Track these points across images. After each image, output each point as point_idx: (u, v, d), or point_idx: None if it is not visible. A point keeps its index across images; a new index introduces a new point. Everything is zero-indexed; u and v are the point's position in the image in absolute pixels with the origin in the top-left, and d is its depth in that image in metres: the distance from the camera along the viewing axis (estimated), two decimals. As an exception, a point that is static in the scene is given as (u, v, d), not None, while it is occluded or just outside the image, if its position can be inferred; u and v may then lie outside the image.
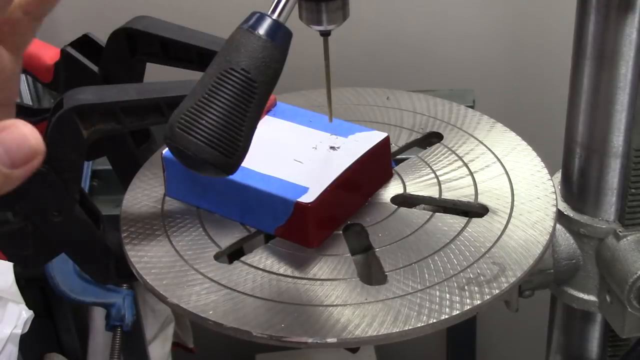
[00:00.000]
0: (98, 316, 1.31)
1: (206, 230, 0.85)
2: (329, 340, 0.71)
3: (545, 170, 0.92)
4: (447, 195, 0.89)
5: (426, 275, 0.77)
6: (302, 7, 0.75)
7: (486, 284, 0.76)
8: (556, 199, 0.87)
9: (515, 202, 0.87)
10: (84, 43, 0.97)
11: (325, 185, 0.80)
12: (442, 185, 0.90)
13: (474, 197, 0.88)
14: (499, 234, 0.82)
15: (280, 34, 0.64)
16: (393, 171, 0.93)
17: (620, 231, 0.89)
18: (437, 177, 0.91)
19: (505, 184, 0.90)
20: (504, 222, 0.84)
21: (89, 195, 1.17)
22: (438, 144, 0.97)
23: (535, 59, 1.46)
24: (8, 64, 0.58)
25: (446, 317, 0.73)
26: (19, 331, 1.03)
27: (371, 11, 1.40)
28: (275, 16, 0.65)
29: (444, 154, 0.95)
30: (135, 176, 0.94)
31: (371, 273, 0.82)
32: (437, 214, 0.86)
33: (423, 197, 0.89)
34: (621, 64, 0.83)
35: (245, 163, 0.66)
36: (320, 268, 0.79)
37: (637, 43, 0.82)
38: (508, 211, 0.85)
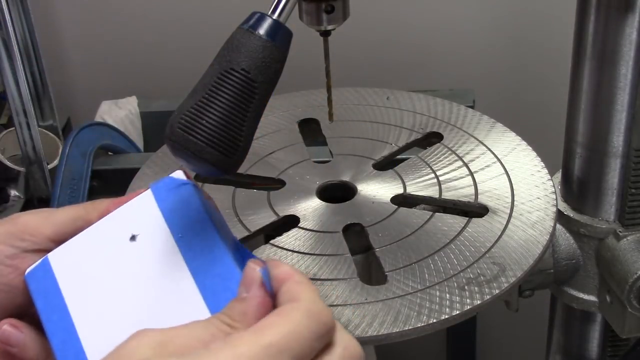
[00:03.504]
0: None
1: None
2: (329, 340, 0.71)
3: (545, 170, 0.92)
4: (447, 195, 0.89)
5: (426, 275, 0.77)
6: (302, 8, 0.75)
7: (486, 284, 0.76)
8: (556, 199, 0.88)
9: (515, 202, 0.87)
10: None
11: None
12: (442, 185, 0.90)
13: (474, 197, 0.88)
14: (499, 234, 0.83)
15: (280, 34, 0.64)
16: (393, 171, 0.93)
17: (620, 231, 0.89)
18: (437, 177, 0.91)
19: (505, 184, 0.90)
20: (504, 222, 0.84)
21: (89, 196, 1.17)
22: (438, 144, 0.97)
23: (535, 59, 1.46)
24: None
25: (446, 317, 0.73)
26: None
27: (371, 11, 1.40)
28: (275, 16, 0.65)
29: (444, 154, 0.95)
30: (135, 176, 0.94)
31: (371, 273, 0.82)
32: (437, 214, 0.86)
33: (423, 197, 0.89)
34: (621, 64, 0.83)
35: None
36: (320, 268, 0.79)
37: (637, 43, 0.82)
38: (508, 211, 0.86)
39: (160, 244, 0.60)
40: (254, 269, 0.55)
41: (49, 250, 0.62)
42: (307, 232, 0.84)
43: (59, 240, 0.63)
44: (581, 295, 0.94)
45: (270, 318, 0.52)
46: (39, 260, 0.62)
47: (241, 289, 0.55)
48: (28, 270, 0.62)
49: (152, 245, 0.60)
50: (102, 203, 0.65)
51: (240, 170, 0.69)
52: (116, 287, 0.59)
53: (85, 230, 0.63)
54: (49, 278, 0.61)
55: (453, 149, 0.96)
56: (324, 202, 0.89)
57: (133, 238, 0.61)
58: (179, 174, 0.64)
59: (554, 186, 0.89)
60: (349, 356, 0.53)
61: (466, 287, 0.76)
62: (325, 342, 0.53)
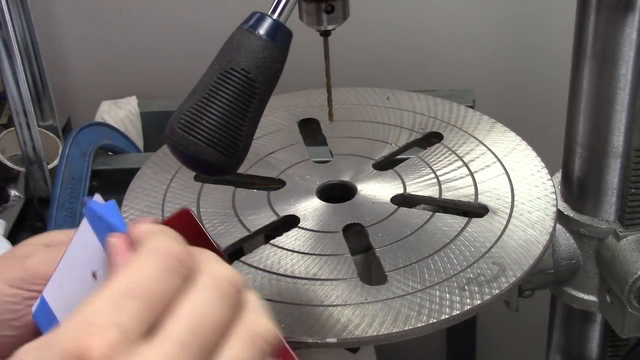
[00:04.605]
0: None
1: (206, 230, 0.85)
2: (329, 340, 0.71)
3: (545, 170, 0.92)
4: (447, 195, 0.89)
5: (426, 275, 0.77)
6: (302, 8, 0.75)
7: (486, 284, 0.76)
8: (556, 199, 0.88)
9: (515, 202, 0.87)
10: None
11: None
12: (442, 185, 0.90)
13: (474, 197, 0.88)
14: (499, 234, 0.82)
15: (280, 34, 0.64)
16: (393, 171, 0.93)
17: (620, 231, 0.89)
18: (437, 177, 0.91)
19: (505, 184, 0.90)
20: (504, 222, 0.84)
21: (89, 196, 1.17)
22: (438, 144, 0.97)
23: (535, 59, 1.46)
24: None
25: (446, 317, 0.73)
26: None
27: (371, 11, 1.40)
28: (275, 16, 0.65)
29: (444, 154, 0.95)
30: (135, 176, 0.94)
31: (371, 273, 0.82)
32: (437, 214, 0.86)
33: (423, 197, 0.89)
34: (621, 64, 0.83)
35: None
36: (320, 268, 0.79)
37: (637, 43, 0.82)
38: (508, 211, 0.85)
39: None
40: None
41: None
42: (307, 232, 0.84)
43: None
44: (581, 295, 0.94)
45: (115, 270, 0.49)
46: (38, 300, 0.63)
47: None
48: (33, 309, 0.63)
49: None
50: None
51: (240, 170, 0.69)
52: None
53: (60, 263, 0.61)
54: (51, 316, 0.62)
55: (453, 149, 0.96)
56: (324, 202, 0.89)
57: (94, 276, 0.58)
58: (97, 198, 0.58)
59: (554, 186, 0.89)
60: (218, 285, 0.49)
61: (466, 287, 0.76)
62: (184, 275, 0.49)
